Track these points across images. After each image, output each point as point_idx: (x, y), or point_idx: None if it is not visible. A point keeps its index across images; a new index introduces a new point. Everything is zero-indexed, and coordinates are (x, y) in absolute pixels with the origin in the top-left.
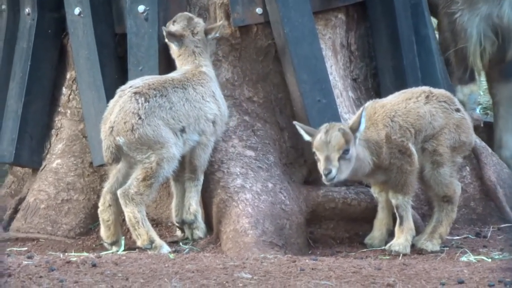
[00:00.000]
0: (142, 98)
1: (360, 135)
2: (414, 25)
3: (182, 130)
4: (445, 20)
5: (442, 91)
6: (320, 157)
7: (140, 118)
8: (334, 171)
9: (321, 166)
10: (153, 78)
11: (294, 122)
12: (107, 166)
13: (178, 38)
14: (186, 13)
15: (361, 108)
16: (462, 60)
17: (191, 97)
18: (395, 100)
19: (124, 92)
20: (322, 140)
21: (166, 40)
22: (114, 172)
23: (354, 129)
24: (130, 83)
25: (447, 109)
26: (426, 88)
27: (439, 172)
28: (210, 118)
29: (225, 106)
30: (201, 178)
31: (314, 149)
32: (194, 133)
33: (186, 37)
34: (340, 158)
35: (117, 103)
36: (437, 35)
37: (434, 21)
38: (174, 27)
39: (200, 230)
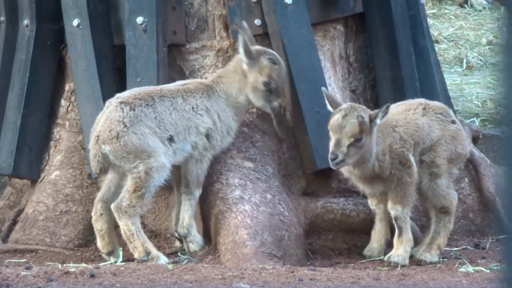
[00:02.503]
0: (128, 107)
1: (377, 127)
2: (413, 36)
3: (171, 139)
4: None
5: (437, 103)
6: (332, 138)
7: (125, 126)
8: (340, 157)
9: (330, 148)
10: (141, 89)
11: (322, 88)
12: (101, 178)
13: (252, 58)
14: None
15: (386, 105)
16: None
17: (179, 107)
18: (394, 111)
19: (111, 103)
20: (338, 123)
21: (242, 51)
22: (107, 182)
23: (373, 118)
24: (117, 95)
25: (443, 121)
26: (422, 100)
27: (437, 184)
28: (202, 132)
29: (225, 123)
30: (196, 192)
31: (328, 127)
32: (185, 143)
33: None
34: (350, 145)
35: (103, 114)
36: (435, 47)
37: (432, 32)
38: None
39: (194, 244)
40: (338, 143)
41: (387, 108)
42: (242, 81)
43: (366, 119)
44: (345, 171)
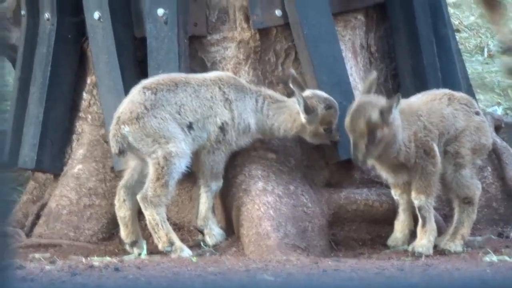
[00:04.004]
0: (149, 91)
1: (397, 115)
2: (434, 25)
3: (190, 126)
4: None
5: (462, 94)
6: (350, 138)
7: (145, 108)
8: (360, 158)
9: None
10: (166, 76)
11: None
12: (120, 166)
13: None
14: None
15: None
16: None
17: (202, 95)
18: (420, 100)
19: (135, 88)
20: (348, 127)
21: (302, 110)
22: (129, 170)
23: (387, 110)
24: (142, 81)
25: (467, 112)
26: (447, 91)
27: (461, 174)
28: (218, 123)
29: (244, 123)
30: (212, 185)
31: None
32: (203, 131)
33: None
34: (367, 143)
35: (127, 98)
36: (456, 36)
37: (453, 21)
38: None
39: (211, 237)
40: (355, 146)
41: (399, 98)
42: (296, 127)
43: (375, 116)
44: (369, 160)
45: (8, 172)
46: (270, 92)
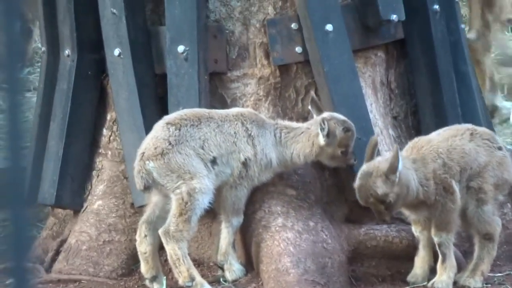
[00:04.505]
0: (173, 127)
1: (399, 174)
2: (454, 62)
3: (213, 162)
4: None
5: (485, 129)
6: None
7: (170, 144)
8: (386, 219)
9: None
10: (189, 111)
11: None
12: (144, 201)
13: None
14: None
15: (395, 148)
16: None
17: (225, 130)
18: (440, 136)
19: (158, 124)
20: (360, 201)
21: (325, 134)
22: (151, 205)
23: (389, 171)
24: (165, 117)
25: (490, 147)
26: (470, 126)
27: (483, 210)
28: (241, 159)
29: (267, 158)
30: (233, 220)
31: None
32: (226, 167)
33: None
34: (384, 209)
35: (150, 134)
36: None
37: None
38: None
39: (230, 273)
40: (376, 212)
41: (397, 150)
42: (315, 151)
43: (381, 189)
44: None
45: (28, 208)
46: (285, 123)
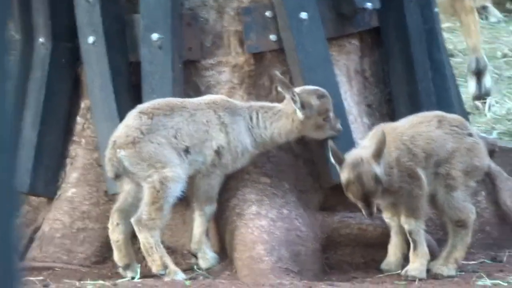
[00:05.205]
0: (145, 116)
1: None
2: (428, 50)
3: (186, 151)
4: None
5: (455, 116)
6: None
7: (142, 133)
8: (373, 211)
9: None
10: (162, 100)
11: (328, 141)
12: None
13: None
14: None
15: (380, 133)
16: None
17: (198, 119)
18: (405, 123)
19: (131, 113)
20: (352, 191)
21: (299, 107)
22: (124, 193)
23: (377, 156)
24: (138, 106)
25: (458, 134)
26: (438, 113)
27: (452, 196)
28: (214, 147)
29: (242, 145)
30: (206, 208)
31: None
32: (199, 155)
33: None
34: (374, 196)
35: (122, 122)
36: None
37: (447, 46)
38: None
39: (204, 261)
40: (365, 207)
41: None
42: (296, 127)
43: (378, 169)
44: None
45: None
46: (260, 103)
